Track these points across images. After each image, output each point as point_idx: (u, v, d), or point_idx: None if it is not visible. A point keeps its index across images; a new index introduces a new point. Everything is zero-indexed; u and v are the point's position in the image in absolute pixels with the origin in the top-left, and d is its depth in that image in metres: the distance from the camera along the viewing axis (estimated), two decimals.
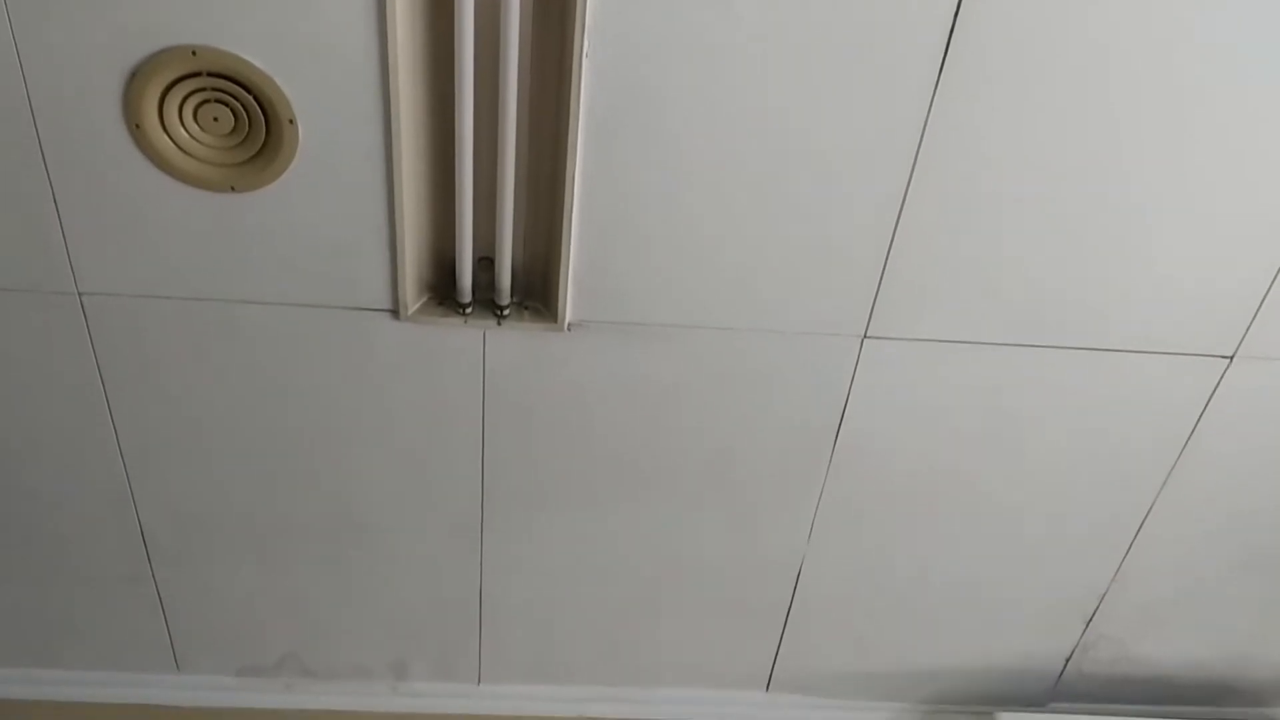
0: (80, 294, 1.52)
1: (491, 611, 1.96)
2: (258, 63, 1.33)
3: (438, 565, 1.89)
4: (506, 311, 1.56)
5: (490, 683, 2.09)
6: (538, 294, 1.58)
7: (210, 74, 1.34)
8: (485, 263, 1.53)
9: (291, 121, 1.37)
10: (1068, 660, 2.07)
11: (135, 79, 1.33)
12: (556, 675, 2.09)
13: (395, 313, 1.55)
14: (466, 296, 1.53)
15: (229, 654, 2.01)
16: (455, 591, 1.92)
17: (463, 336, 1.59)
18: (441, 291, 1.57)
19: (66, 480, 1.74)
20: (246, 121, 1.38)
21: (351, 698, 2.06)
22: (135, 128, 1.37)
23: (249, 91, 1.35)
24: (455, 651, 2.03)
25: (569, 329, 1.58)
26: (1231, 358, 1.64)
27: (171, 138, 1.38)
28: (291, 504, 1.79)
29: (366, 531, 1.83)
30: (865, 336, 1.61)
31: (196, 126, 1.38)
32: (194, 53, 1.31)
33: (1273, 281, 1.57)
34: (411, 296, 1.54)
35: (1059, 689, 2.13)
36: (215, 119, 1.37)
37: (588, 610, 1.97)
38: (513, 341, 1.59)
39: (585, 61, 1.34)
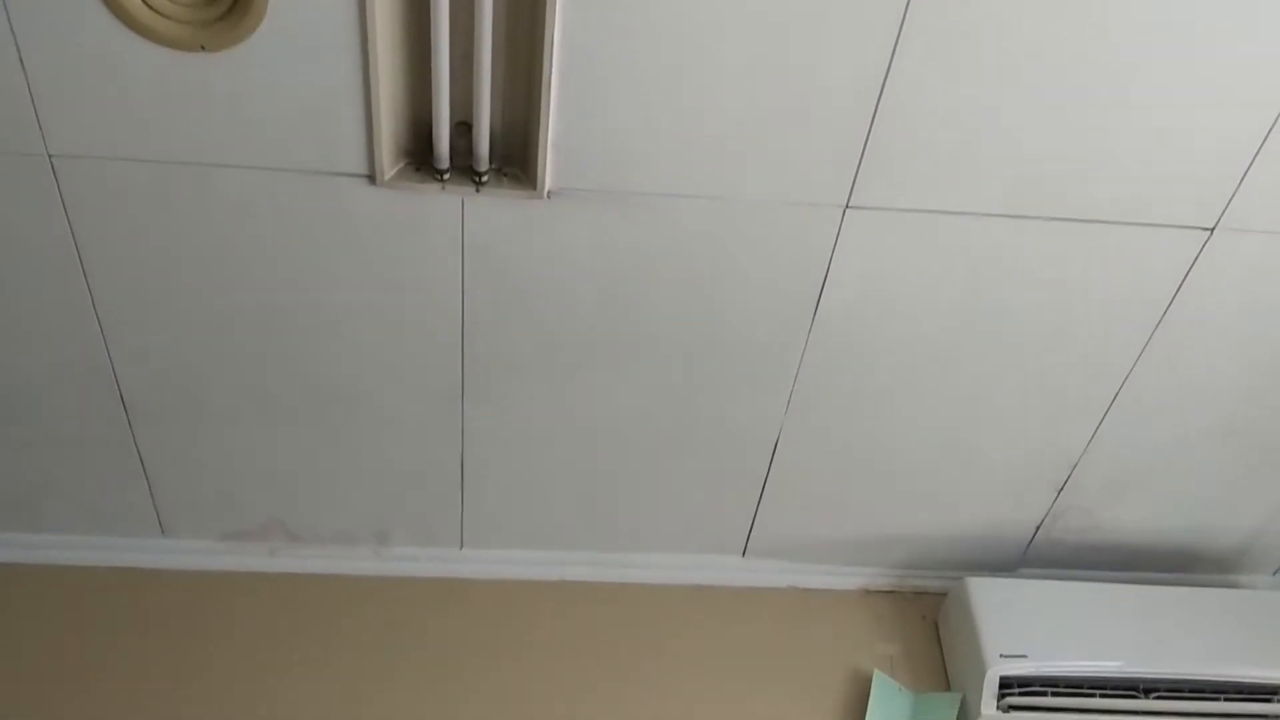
0: (50, 155, 1.49)
1: (472, 478, 1.98)
2: None
3: (419, 432, 1.90)
4: (485, 178, 1.54)
5: (472, 547, 2.13)
6: (516, 161, 1.55)
7: None
8: (463, 128, 1.50)
9: None
10: (1038, 528, 2.12)
11: None
12: (537, 540, 2.12)
13: (372, 178, 1.53)
14: (444, 162, 1.51)
15: (213, 518, 2.04)
16: (436, 458, 1.94)
17: (441, 203, 1.57)
18: (419, 157, 1.55)
19: (43, 345, 1.73)
20: None
21: (335, 562, 2.09)
22: None
23: None
24: (437, 517, 2.06)
25: (548, 196, 1.56)
26: (1212, 230, 1.64)
27: None
28: (272, 370, 1.79)
29: (347, 398, 1.83)
30: (847, 207, 1.60)
31: None
32: None
33: (1256, 153, 1.56)
34: (388, 162, 1.51)
35: (1028, 555, 2.18)
36: None
37: (568, 476, 2.00)
38: (491, 209, 1.58)
39: None
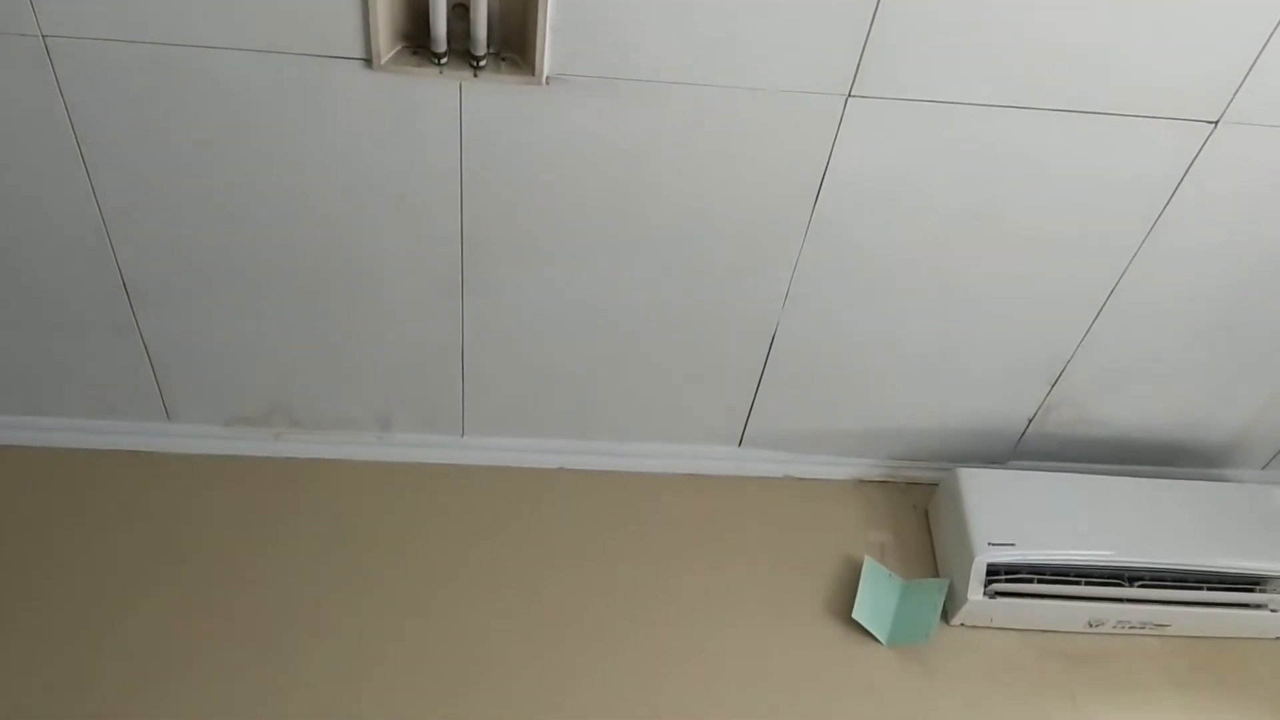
0: (44, 36, 1.47)
1: (473, 367, 2.00)
2: None
3: (419, 321, 1.91)
4: (483, 63, 1.52)
5: (473, 435, 2.16)
6: (515, 45, 1.53)
7: None
8: (460, 10, 1.48)
9: None
10: (1030, 421, 2.15)
11: None
12: (538, 429, 2.15)
13: (368, 61, 1.51)
14: (441, 45, 1.49)
15: (218, 404, 2.07)
16: (437, 347, 1.96)
17: (438, 88, 1.55)
18: (416, 40, 1.53)
19: (43, 230, 1.74)
20: None
21: (339, 447, 2.13)
22: None
23: None
24: (439, 405, 2.08)
25: (547, 82, 1.54)
26: (1216, 123, 1.62)
27: None
28: (273, 257, 1.79)
29: (348, 284, 1.84)
30: (850, 95, 1.58)
31: None
32: None
33: (1264, 46, 1.53)
34: (385, 45, 1.49)
35: (1019, 448, 2.21)
36: None
37: (568, 366, 2.01)
38: (490, 94, 1.56)
39: None
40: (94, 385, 2.01)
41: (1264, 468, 2.28)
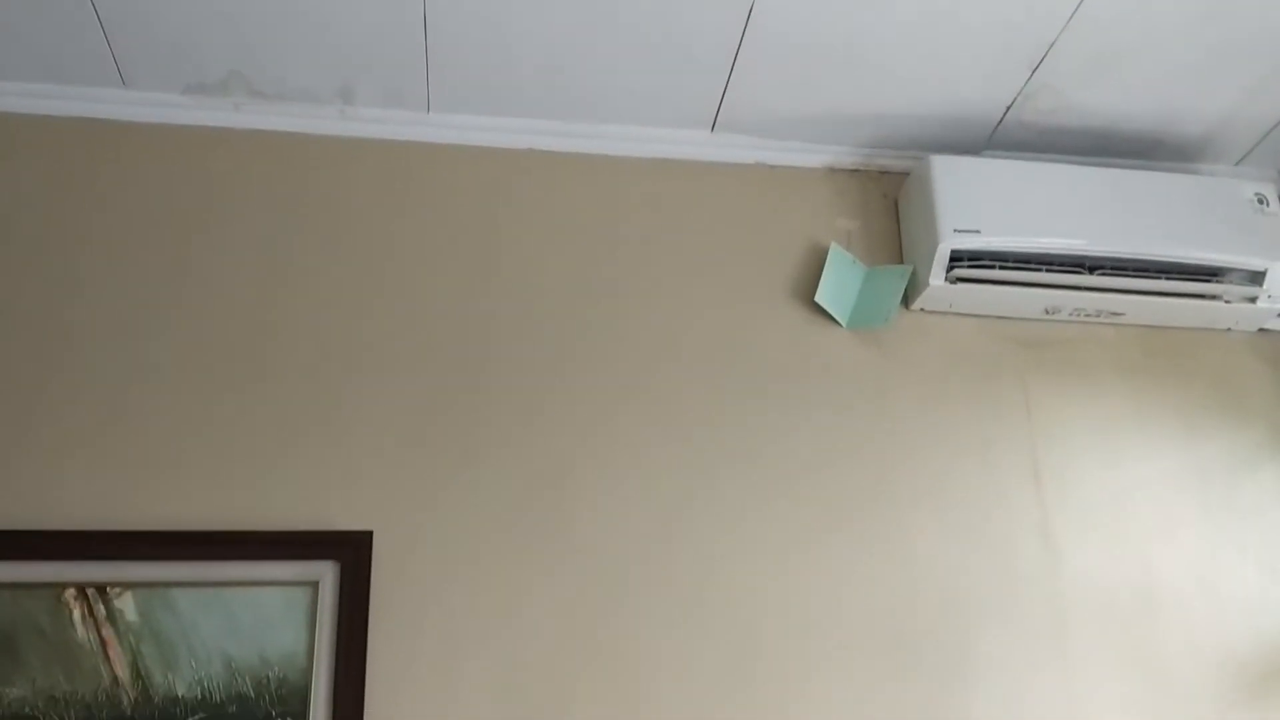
0: None
1: (436, 36, 1.92)
2: None
3: None
4: None
5: (439, 111, 2.10)
6: None
7: None
8: None
9: None
10: (1008, 109, 2.10)
11: None
12: (506, 107, 2.10)
13: None
14: None
15: (174, 70, 1.99)
16: (399, 13, 1.87)
17: None
18: None
19: None
20: None
21: (300, 120, 2.06)
22: None
23: None
24: (403, 78, 2.02)
25: None
26: None
27: None
28: None
29: None
30: None
31: None
32: None
33: None
34: None
35: (995, 138, 2.17)
36: None
37: (536, 38, 1.94)
38: None
39: None
40: (42, 46, 1.92)
41: (1237, 163, 2.26)
